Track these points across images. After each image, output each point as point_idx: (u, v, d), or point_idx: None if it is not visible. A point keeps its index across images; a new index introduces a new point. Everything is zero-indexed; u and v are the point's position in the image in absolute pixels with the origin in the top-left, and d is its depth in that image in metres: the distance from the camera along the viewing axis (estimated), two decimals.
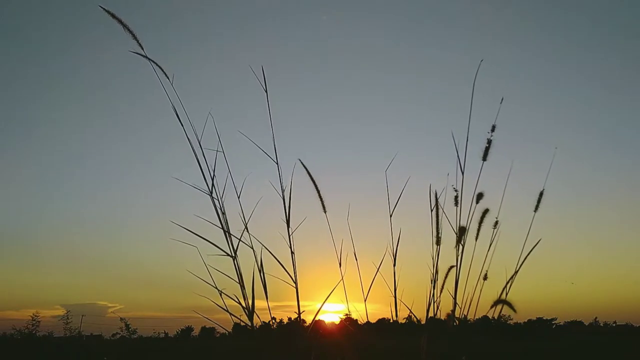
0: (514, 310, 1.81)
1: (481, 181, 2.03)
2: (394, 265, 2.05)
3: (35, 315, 12.02)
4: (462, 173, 2.03)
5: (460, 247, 2.01)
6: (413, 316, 2.09)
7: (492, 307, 1.87)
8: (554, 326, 40.32)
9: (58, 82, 44.09)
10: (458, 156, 2.02)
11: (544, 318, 39.99)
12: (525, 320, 39.57)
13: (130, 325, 12.25)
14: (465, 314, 1.98)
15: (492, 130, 2.01)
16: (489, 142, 2.02)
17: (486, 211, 2.02)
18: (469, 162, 2.03)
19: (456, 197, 2.03)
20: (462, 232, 2.02)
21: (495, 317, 1.95)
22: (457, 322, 2.00)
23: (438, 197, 2.05)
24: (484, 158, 2.03)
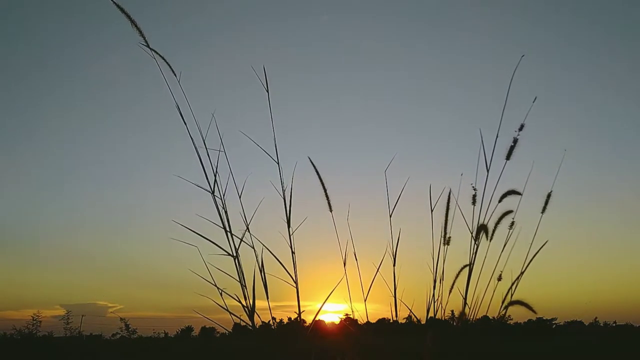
0: (534, 311, 1.80)
1: (500, 181, 2.00)
2: (394, 265, 2.06)
3: (36, 315, 12.03)
4: (488, 170, 1.99)
5: (475, 246, 1.99)
6: (413, 316, 2.09)
7: (506, 307, 1.86)
8: (554, 326, 40.28)
9: (59, 80, 44.02)
10: (485, 153, 1.99)
11: (544, 318, 39.98)
12: (525, 320, 39.56)
13: (130, 325, 12.26)
14: (475, 314, 1.98)
15: (520, 129, 1.97)
16: (515, 141, 1.97)
17: (508, 212, 1.99)
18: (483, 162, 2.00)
19: (474, 195, 2.00)
20: (481, 230, 1.99)
21: (505, 317, 1.95)
22: (458, 322, 2.01)
23: (450, 196, 2.03)
24: (508, 157, 1.98)
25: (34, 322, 11.92)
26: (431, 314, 2.03)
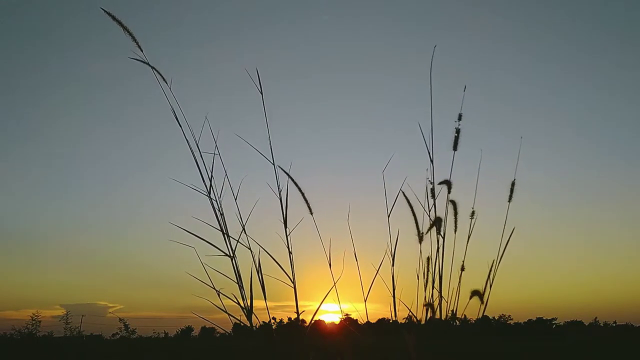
0: (482, 302, 1.83)
1: (454, 173, 2.04)
2: (393, 265, 2.06)
3: (36, 316, 12.02)
4: (432, 162, 2.04)
5: (441, 239, 2.01)
6: (413, 316, 2.09)
7: (470, 298, 1.88)
8: (554, 326, 40.29)
9: (59, 85, 44.16)
10: (427, 146, 2.03)
11: (544, 318, 40.00)
12: (526, 320, 39.59)
13: (129, 326, 12.24)
14: (453, 309, 1.98)
15: (459, 119, 2.03)
16: (458, 131, 2.03)
17: (453, 202, 2.03)
18: (442, 154, 2.05)
19: (432, 189, 2.03)
20: (437, 222, 2.02)
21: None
22: (457, 321, 2.01)
23: (405, 192, 2.05)
24: (455, 148, 2.04)
25: (34, 322, 11.92)
26: (424, 313, 2.03)
